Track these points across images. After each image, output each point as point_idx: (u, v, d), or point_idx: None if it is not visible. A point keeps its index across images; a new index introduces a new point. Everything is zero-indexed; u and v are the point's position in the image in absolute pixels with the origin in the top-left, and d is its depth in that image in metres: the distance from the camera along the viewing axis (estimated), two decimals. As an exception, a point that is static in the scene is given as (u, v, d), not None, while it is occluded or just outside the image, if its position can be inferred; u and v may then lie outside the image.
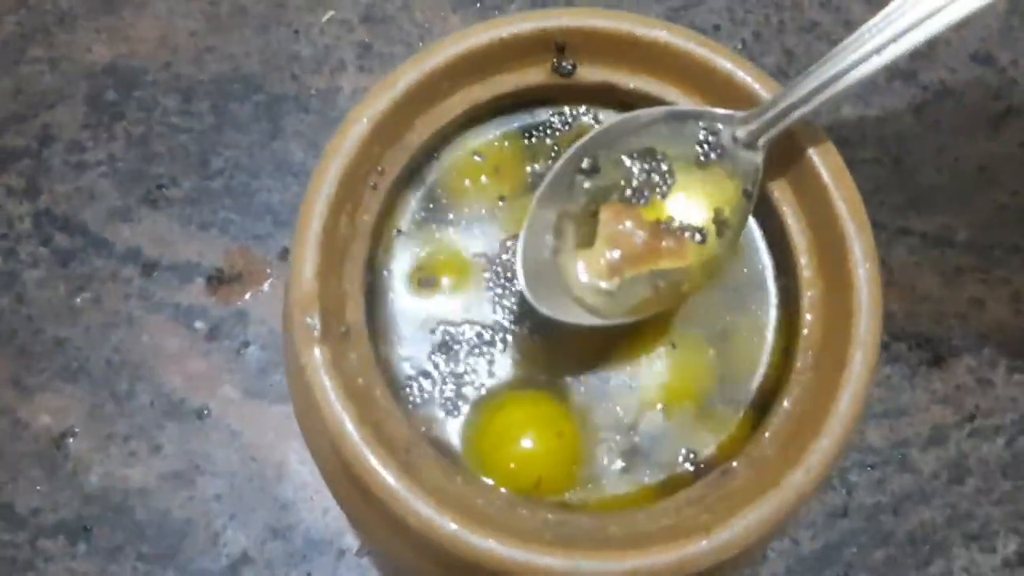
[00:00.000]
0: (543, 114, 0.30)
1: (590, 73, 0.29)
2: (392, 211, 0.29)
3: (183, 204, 0.43)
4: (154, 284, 0.41)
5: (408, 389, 0.27)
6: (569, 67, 0.29)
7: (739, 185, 0.28)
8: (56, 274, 0.41)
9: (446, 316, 0.28)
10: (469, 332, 0.28)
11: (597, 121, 0.30)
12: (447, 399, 0.27)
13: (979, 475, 0.40)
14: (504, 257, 0.29)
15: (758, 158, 0.27)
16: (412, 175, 0.29)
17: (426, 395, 0.27)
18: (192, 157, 0.43)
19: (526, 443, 0.26)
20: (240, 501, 0.38)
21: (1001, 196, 0.44)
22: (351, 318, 0.26)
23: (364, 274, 0.27)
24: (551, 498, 0.26)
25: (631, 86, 0.29)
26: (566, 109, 0.30)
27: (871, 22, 0.26)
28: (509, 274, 0.28)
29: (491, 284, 0.28)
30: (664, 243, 0.27)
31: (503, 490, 0.26)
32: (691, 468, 0.27)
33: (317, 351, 0.24)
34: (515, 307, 0.28)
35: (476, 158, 0.30)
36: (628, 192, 0.28)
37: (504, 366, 0.27)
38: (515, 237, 0.28)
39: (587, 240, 0.27)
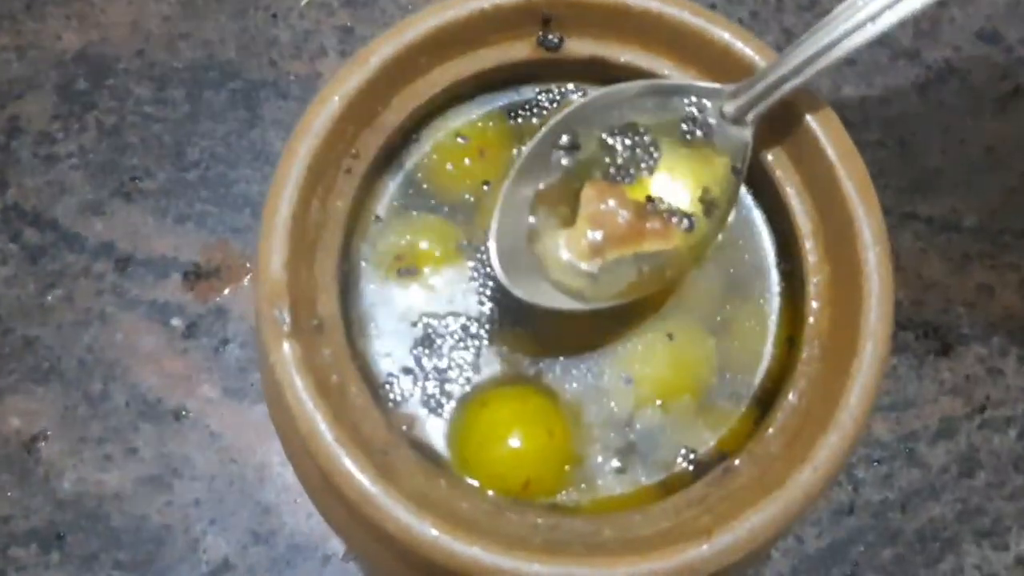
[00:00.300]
0: (529, 92, 0.30)
1: (578, 47, 0.29)
2: (369, 196, 0.28)
3: (158, 196, 0.42)
4: (128, 280, 0.41)
5: (387, 386, 0.27)
6: (556, 40, 0.29)
7: (727, 163, 0.27)
8: (26, 271, 0.41)
9: (429, 308, 0.27)
10: (453, 325, 0.27)
11: (587, 99, 0.30)
12: (430, 396, 0.27)
13: (990, 469, 0.40)
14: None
15: (747, 134, 0.27)
16: (390, 158, 0.29)
17: (407, 392, 0.27)
18: (167, 148, 0.43)
19: (514, 442, 0.26)
20: (220, 505, 0.38)
21: (1010, 179, 0.44)
22: (324, 311, 0.26)
23: (339, 264, 0.26)
24: (541, 501, 0.26)
25: (622, 60, 0.29)
26: (553, 86, 0.30)
27: None
28: (496, 263, 0.28)
29: (476, 274, 0.28)
30: (649, 224, 0.27)
31: (489, 493, 0.25)
32: (691, 467, 0.26)
33: (286, 346, 0.24)
34: (502, 298, 0.27)
35: (458, 140, 0.29)
36: (612, 170, 0.27)
37: (491, 360, 0.27)
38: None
39: (568, 220, 0.27)
